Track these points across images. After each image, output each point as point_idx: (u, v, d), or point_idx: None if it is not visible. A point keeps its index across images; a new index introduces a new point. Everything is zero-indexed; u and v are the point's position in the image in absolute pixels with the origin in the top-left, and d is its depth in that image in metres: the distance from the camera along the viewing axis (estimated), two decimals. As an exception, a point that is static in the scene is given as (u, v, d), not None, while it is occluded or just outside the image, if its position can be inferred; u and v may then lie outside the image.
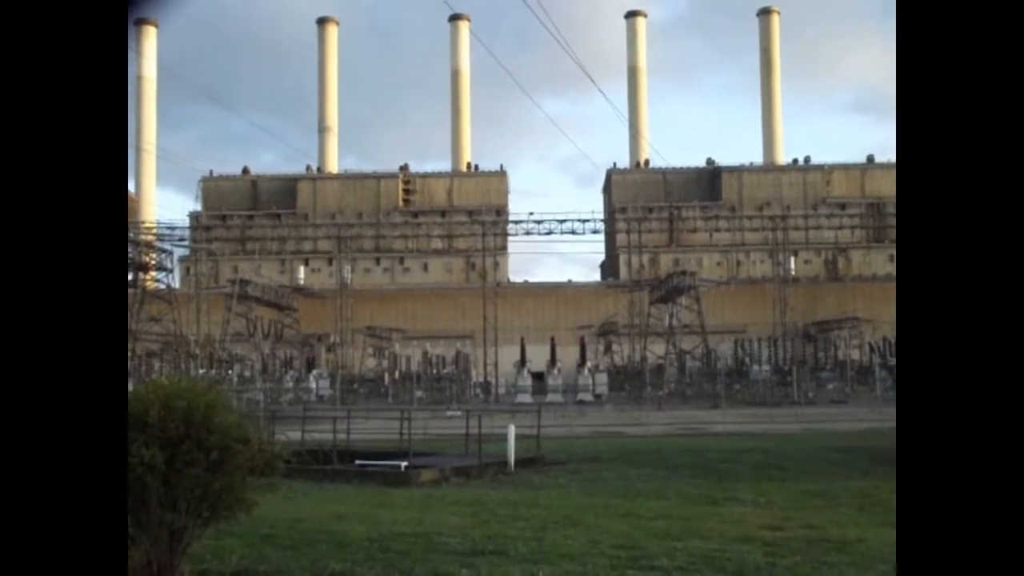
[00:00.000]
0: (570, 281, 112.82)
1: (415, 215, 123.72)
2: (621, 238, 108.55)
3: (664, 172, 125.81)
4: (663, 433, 32.46)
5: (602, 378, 70.72)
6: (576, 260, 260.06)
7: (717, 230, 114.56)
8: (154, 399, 7.72)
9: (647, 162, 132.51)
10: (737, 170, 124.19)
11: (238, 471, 7.81)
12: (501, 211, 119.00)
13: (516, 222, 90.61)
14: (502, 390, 77.53)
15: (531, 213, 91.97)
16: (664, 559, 9.66)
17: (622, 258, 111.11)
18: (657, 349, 75.07)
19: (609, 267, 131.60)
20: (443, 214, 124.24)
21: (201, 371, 64.87)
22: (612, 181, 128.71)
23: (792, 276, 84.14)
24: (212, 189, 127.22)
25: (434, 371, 76.86)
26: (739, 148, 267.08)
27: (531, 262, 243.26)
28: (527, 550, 10.20)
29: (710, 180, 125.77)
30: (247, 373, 74.35)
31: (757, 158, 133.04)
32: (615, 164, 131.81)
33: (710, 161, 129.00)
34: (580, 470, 20.99)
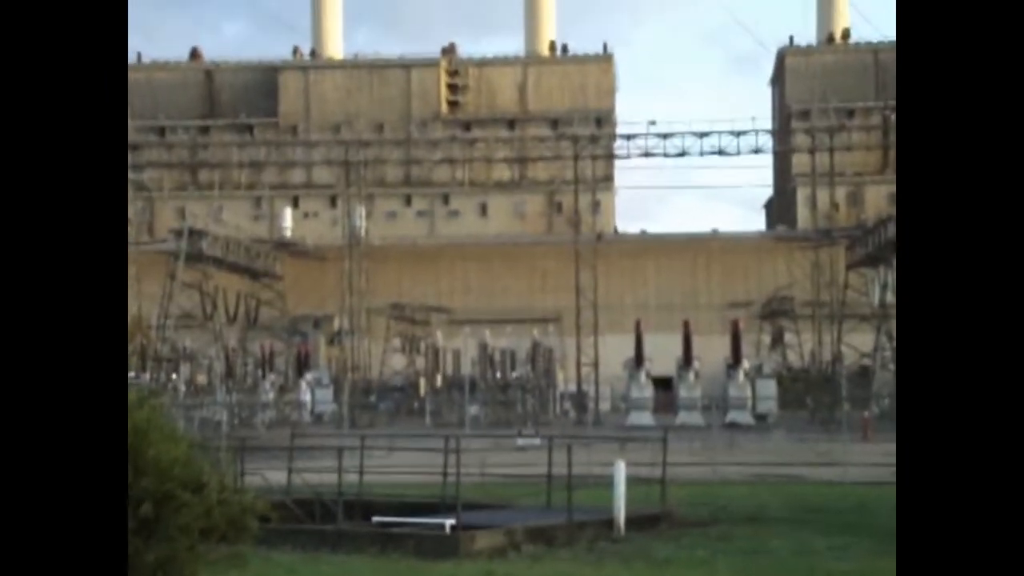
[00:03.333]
0: (716, 231, 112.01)
1: (467, 126, 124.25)
2: (800, 160, 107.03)
3: (876, 50, 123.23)
4: (871, 479, 32.06)
5: (768, 387, 70.13)
6: (726, 197, 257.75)
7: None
8: (55, 419, 7.87)
9: (846, 34, 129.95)
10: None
11: (184, 535, 7.95)
12: (605, 119, 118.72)
13: (628, 137, 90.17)
14: (605, 405, 77.35)
15: (653, 122, 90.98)
16: None
17: (801, 193, 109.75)
18: (860, 341, 74.05)
19: (780, 208, 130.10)
20: (511, 125, 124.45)
21: (130, 375, 66.55)
22: (787, 67, 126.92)
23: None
24: (142, 84, 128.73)
25: (498, 375, 77.41)
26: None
27: (653, 201, 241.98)
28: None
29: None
30: (202, 378, 75.97)
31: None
32: (792, 40, 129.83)
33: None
34: (731, 536, 20.89)
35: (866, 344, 73.40)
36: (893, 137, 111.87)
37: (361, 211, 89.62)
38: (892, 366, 70.66)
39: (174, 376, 69.87)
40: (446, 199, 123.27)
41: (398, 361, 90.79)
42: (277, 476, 24.14)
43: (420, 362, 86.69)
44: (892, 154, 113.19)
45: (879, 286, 71.83)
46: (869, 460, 36.23)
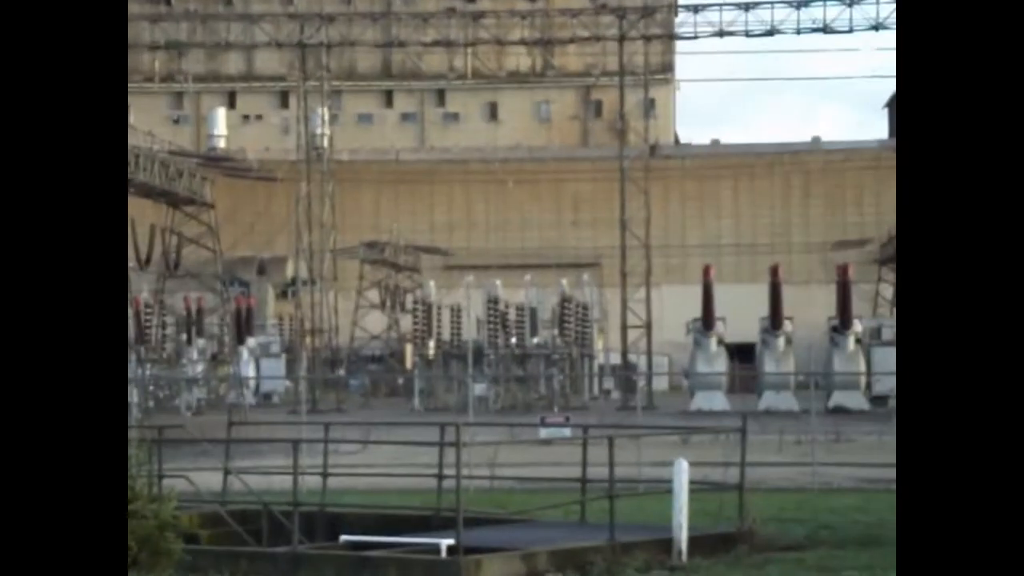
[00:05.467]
0: (818, 141, 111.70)
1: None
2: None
3: None
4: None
5: (889, 359, 69.95)
6: (833, 94, 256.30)
7: None
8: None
9: None
10: None
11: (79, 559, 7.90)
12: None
13: (696, 9, 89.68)
14: (661, 383, 77.34)
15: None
16: None
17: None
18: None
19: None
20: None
21: None
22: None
23: None
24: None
25: (513, 340, 77.54)
26: None
27: (729, 100, 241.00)
28: None
29: None
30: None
31: None
32: None
33: None
34: (835, 566, 21.00)
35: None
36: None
37: (323, 113, 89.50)
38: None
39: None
40: (441, 97, 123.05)
41: (376, 321, 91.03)
42: (209, 479, 24.26)
43: (406, 323, 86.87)
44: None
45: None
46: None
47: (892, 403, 65.62)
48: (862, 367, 68.25)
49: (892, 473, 36.03)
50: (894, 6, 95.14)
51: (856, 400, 65.37)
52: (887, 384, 68.10)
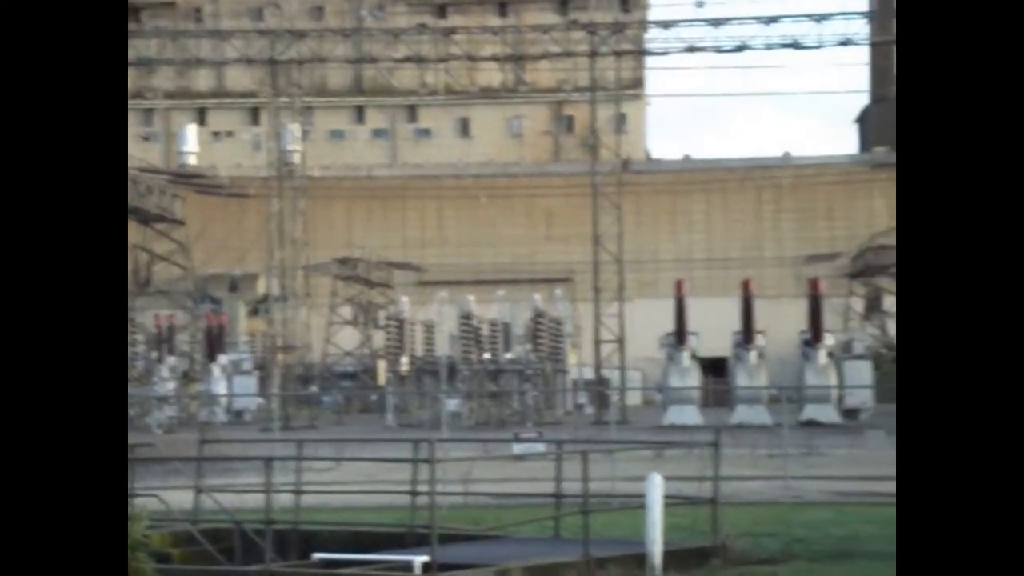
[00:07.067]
0: (788, 156, 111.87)
1: (440, 11, 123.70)
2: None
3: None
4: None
5: (861, 372, 70.09)
6: (803, 109, 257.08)
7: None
8: None
9: None
10: None
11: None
12: (633, 1, 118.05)
13: (666, 25, 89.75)
14: (634, 398, 77.20)
15: (700, 4, 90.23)
16: None
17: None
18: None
19: (879, 123, 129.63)
20: (503, 8, 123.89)
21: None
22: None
23: None
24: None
25: (486, 356, 77.40)
26: None
27: (700, 115, 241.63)
28: None
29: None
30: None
31: None
32: None
33: None
34: (809, 577, 20.91)
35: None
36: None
37: (294, 130, 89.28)
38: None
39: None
40: (412, 113, 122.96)
41: (348, 338, 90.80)
42: (180, 497, 24.13)
43: (379, 339, 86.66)
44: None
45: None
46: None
47: (864, 416, 65.87)
48: (834, 380, 68.30)
49: (865, 486, 36.19)
50: (863, 22, 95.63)
51: (828, 414, 65.38)
52: (858, 397, 68.26)
